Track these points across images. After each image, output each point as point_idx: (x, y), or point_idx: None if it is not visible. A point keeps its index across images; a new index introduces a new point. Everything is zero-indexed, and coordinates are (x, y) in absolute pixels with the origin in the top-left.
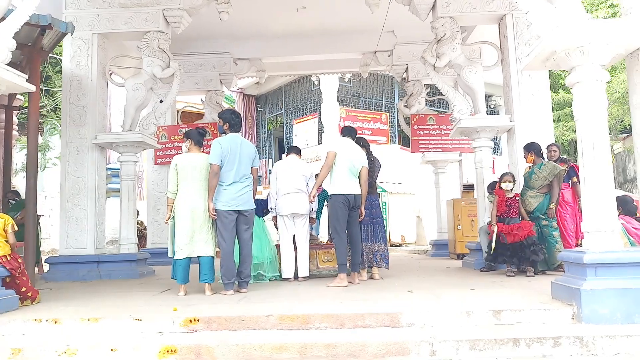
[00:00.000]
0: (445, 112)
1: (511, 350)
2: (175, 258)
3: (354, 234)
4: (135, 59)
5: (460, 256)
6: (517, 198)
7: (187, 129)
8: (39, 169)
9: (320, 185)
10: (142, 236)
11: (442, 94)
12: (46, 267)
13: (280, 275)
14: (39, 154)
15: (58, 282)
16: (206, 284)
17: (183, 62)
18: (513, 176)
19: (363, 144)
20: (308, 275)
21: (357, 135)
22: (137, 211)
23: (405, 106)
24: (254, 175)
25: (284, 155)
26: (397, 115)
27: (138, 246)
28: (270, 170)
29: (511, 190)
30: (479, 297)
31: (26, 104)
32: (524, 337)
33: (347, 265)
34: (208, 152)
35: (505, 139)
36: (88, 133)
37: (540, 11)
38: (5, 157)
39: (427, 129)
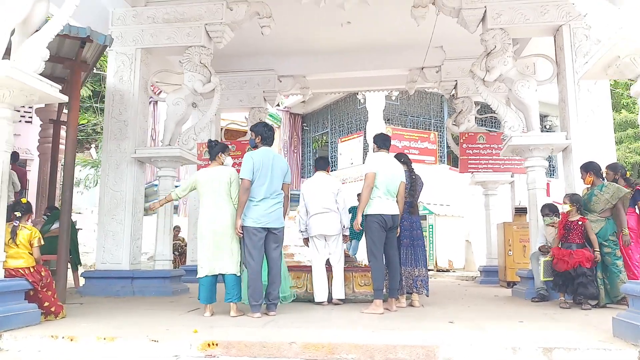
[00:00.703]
0: (496, 131)
1: None
2: (197, 276)
3: (392, 256)
4: (178, 74)
5: (510, 284)
6: (579, 222)
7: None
8: (91, 184)
9: (363, 211)
10: (182, 253)
11: (492, 111)
12: (82, 281)
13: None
14: (93, 169)
15: (92, 296)
16: (231, 303)
17: (227, 79)
18: (572, 197)
19: (404, 160)
20: (343, 297)
21: (398, 153)
22: (179, 227)
23: (454, 124)
24: (285, 191)
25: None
26: (446, 134)
27: (176, 262)
28: None
29: (569, 212)
30: (528, 332)
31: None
32: None
33: (384, 290)
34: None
35: (561, 160)
36: (128, 147)
37: (602, 12)
38: (51, 171)
39: (476, 148)
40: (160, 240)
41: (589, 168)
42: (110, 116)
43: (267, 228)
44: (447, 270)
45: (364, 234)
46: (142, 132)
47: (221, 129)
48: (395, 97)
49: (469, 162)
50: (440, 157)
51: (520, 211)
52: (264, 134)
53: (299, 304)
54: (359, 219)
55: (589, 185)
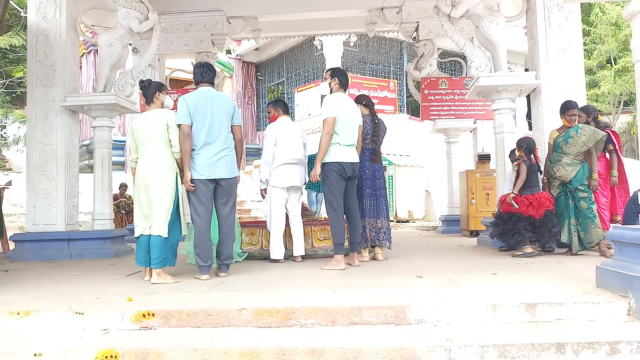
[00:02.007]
0: (458, 76)
1: (554, 358)
2: (134, 236)
3: (352, 208)
4: (110, 11)
5: (473, 233)
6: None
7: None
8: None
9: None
10: (129, 211)
11: (455, 55)
12: (12, 245)
13: (269, 256)
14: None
15: (23, 262)
16: (148, 268)
17: (171, 20)
18: (518, 142)
19: (366, 102)
20: (304, 254)
21: (359, 94)
22: (125, 184)
23: (415, 69)
24: (237, 135)
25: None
26: (406, 82)
27: (124, 221)
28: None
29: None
30: (505, 285)
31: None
32: (570, 341)
33: (345, 244)
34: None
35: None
36: (57, 95)
37: None
38: None
39: (438, 94)
40: (99, 197)
41: (569, 107)
42: (35, 59)
43: (214, 180)
44: (407, 221)
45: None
46: (73, 78)
47: (166, 78)
48: (354, 43)
49: (431, 108)
50: (400, 107)
51: (483, 158)
52: (198, 74)
53: (253, 263)
54: (317, 169)
55: (559, 127)
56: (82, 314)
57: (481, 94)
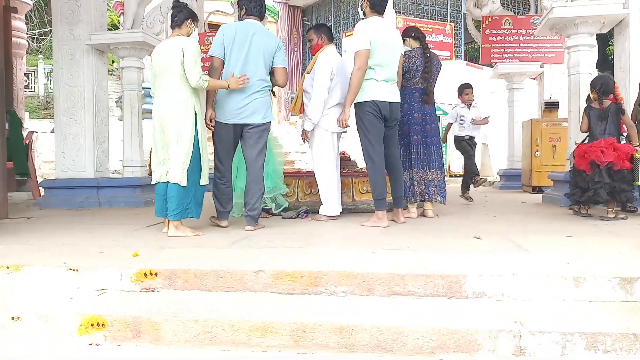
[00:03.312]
0: (524, 14)
1: None
2: (152, 182)
3: (393, 157)
4: None
5: (536, 189)
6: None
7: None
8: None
9: (352, 102)
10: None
11: None
12: (43, 192)
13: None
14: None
15: (52, 209)
16: (167, 220)
17: None
18: (592, 81)
19: (416, 35)
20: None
21: (408, 26)
22: None
23: (476, 6)
24: (278, 79)
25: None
26: (464, 26)
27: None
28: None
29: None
30: (586, 252)
31: None
32: None
33: (389, 199)
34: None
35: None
36: (82, 33)
37: None
38: (6, 66)
39: (501, 34)
40: (128, 143)
41: None
42: None
43: (241, 124)
44: (461, 176)
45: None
46: (100, 15)
47: (204, 22)
48: None
49: (493, 50)
50: (457, 52)
51: (551, 106)
52: (247, 3)
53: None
54: (347, 112)
55: None
56: (77, 270)
57: (554, 28)
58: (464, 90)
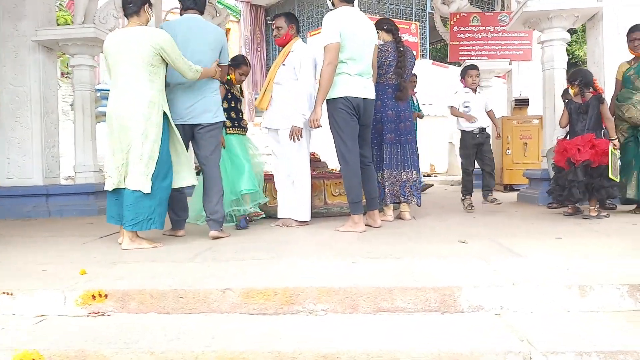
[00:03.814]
0: (492, 11)
1: None
2: (104, 189)
3: (366, 157)
4: None
5: (507, 187)
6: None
7: None
8: None
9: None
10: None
11: None
12: None
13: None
14: None
15: None
16: (123, 230)
17: None
18: (572, 74)
19: (389, 27)
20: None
21: (380, 18)
22: None
23: (443, 3)
24: (219, 73)
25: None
26: (429, 25)
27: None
28: None
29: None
30: (581, 255)
31: None
32: None
33: (363, 201)
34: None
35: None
36: (28, 29)
37: None
38: None
39: (469, 32)
40: (80, 146)
41: (634, 30)
42: None
43: (190, 125)
44: (429, 175)
45: None
46: (47, 10)
47: (163, 19)
48: None
49: (461, 48)
50: (422, 52)
51: (521, 103)
52: None
53: (254, 223)
54: (318, 111)
55: (631, 59)
56: (11, 294)
57: (528, 22)
58: (468, 72)
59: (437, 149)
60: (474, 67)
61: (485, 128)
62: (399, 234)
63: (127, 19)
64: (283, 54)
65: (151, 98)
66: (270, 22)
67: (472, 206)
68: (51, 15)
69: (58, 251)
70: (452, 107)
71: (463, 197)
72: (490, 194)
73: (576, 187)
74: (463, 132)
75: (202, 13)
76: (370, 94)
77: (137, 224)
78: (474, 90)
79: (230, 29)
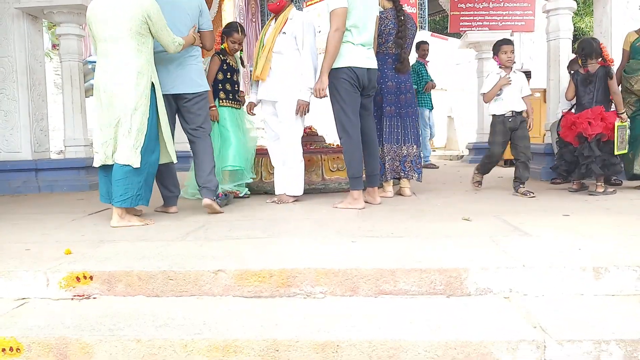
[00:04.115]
0: None
1: None
2: (93, 165)
3: (368, 130)
4: None
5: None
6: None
7: None
8: None
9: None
10: None
11: None
12: None
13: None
14: None
15: None
16: (114, 207)
17: None
18: (579, 44)
19: None
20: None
21: None
22: None
23: None
24: (205, 42)
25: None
26: None
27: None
28: None
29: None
30: (592, 234)
31: None
32: None
33: (363, 177)
34: None
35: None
36: None
37: None
38: None
39: (470, 2)
40: (69, 119)
41: None
42: None
43: (175, 95)
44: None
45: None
46: None
47: None
48: None
49: (461, 18)
50: (421, 23)
51: None
52: None
53: (250, 199)
54: (324, 80)
55: (639, 28)
56: None
57: None
58: (501, 47)
59: (435, 123)
60: (509, 41)
61: (521, 112)
62: (400, 211)
63: None
64: (280, 22)
65: (140, 68)
66: None
67: (480, 184)
68: None
69: (44, 229)
70: (484, 94)
71: (476, 172)
72: (522, 186)
73: (594, 162)
74: (493, 116)
75: None
76: (374, 64)
77: (125, 200)
78: (510, 69)
79: None
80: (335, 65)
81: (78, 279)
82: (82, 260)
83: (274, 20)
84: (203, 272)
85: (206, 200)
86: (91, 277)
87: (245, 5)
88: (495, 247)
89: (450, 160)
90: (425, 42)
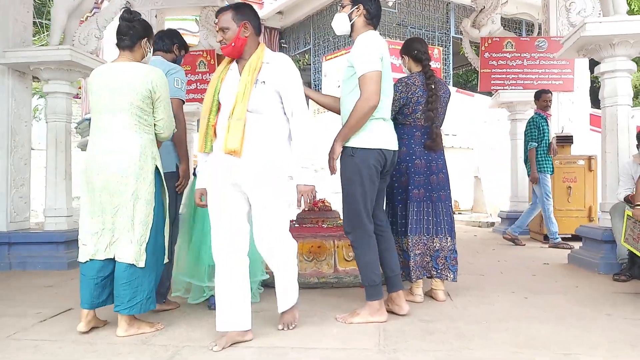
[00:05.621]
0: (528, 35)
1: None
2: (78, 260)
3: (383, 217)
4: None
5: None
6: None
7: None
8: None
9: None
10: None
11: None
12: None
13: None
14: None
15: None
16: (119, 315)
17: None
18: None
19: (418, 54)
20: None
21: (408, 39)
22: None
23: (473, 26)
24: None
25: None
26: (453, 50)
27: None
28: None
29: None
30: None
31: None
32: None
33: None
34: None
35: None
36: None
37: None
38: None
39: (502, 59)
40: (52, 186)
41: None
42: None
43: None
44: (454, 213)
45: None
46: (22, 28)
47: None
48: (393, 3)
49: (493, 76)
50: (446, 78)
51: (564, 141)
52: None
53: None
54: (337, 150)
55: None
56: None
57: (583, 49)
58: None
59: (461, 183)
60: (547, 91)
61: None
62: (436, 331)
63: (119, 50)
64: (254, 67)
65: (143, 149)
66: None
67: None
68: (26, 35)
69: None
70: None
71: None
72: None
73: None
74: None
75: (168, 52)
76: (396, 143)
77: (134, 306)
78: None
79: None
80: (364, 145)
81: None
82: None
83: (234, 63)
84: None
85: (169, 306)
86: None
87: None
88: None
89: (480, 227)
90: (547, 92)
